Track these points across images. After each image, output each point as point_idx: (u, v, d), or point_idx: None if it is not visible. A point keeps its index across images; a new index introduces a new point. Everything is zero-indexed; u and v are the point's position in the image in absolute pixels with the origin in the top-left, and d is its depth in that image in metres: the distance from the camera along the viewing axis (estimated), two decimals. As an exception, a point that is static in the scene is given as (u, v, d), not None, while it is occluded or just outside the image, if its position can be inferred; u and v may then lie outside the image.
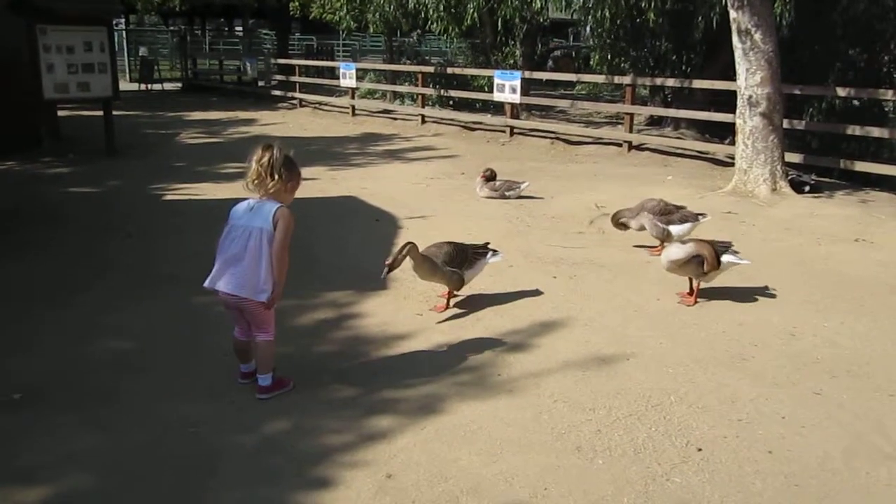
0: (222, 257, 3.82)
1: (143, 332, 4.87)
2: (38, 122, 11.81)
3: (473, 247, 5.38)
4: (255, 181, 3.83)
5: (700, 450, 3.49)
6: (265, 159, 3.79)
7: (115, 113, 12.54)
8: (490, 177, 9.21)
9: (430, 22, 16.03)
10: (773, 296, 5.67)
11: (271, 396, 3.96)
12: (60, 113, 13.68)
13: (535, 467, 3.32)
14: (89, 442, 3.52)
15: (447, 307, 5.27)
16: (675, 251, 5.30)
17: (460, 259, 5.14)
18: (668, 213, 6.52)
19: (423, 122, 16.95)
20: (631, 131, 13.30)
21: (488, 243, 5.59)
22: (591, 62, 14.90)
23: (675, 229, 6.42)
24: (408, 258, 4.90)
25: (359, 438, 3.55)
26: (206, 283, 3.86)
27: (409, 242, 4.94)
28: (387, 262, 4.83)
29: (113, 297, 5.51)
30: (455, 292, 5.34)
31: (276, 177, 3.79)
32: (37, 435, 3.58)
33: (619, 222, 6.79)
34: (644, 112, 15.05)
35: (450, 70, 17.80)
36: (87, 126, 14.32)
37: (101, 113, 12.25)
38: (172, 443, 3.52)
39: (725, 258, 5.39)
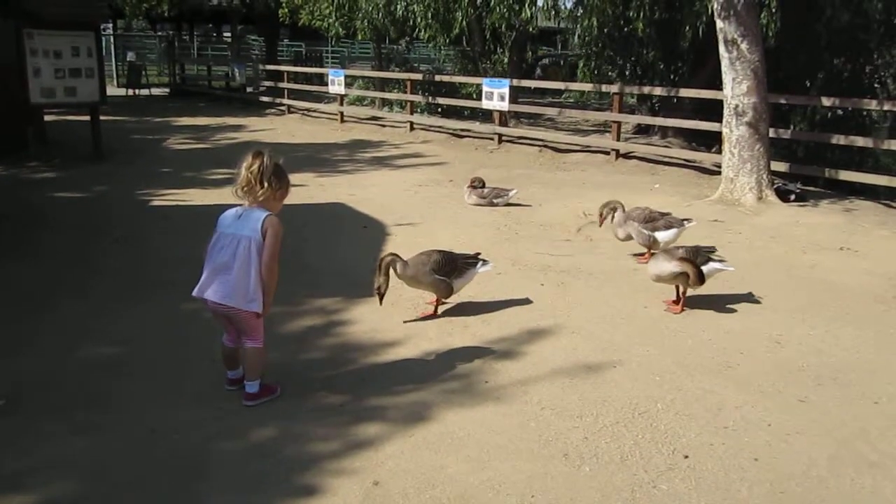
0: (210, 266, 3.80)
1: (131, 337, 4.85)
2: (25, 127, 11.74)
3: (464, 256, 5.37)
4: (245, 188, 3.81)
5: (687, 457, 3.51)
6: (255, 167, 3.77)
7: (102, 118, 12.50)
8: (478, 186, 9.23)
9: (418, 29, 16.07)
10: (759, 304, 5.70)
11: (258, 403, 3.95)
12: (47, 117, 13.61)
13: (522, 475, 3.33)
14: (77, 447, 3.50)
15: (435, 314, 5.27)
16: (662, 267, 5.32)
17: (449, 268, 5.13)
18: (653, 219, 6.56)
19: (412, 129, 16.97)
20: (618, 140, 13.37)
21: (479, 253, 5.59)
22: (578, 71, 14.98)
23: (660, 235, 6.46)
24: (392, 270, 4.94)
25: (346, 445, 3.55)
26: (195, 292, 3.84)
27: (390, 254, 4.94)
28: (375, 291, 4.85)
29: (101, 302, 5.49)
30: (444, 300, 5.34)
31: (266, 185, 3.78)
32: (23, 440, 3.55)
33: (608, 209, 6.74)
34: (631, 121, 15.14)
35: (438, 77, 17.85)
36: (73, 131, 14.26)
37: (88, 118, 12.20)
38: (160, 449, 3.50)
39: (711, 266, 5.43)
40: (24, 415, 3.80)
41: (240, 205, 3.88)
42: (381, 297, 4.91)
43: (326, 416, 3.84)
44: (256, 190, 3.78)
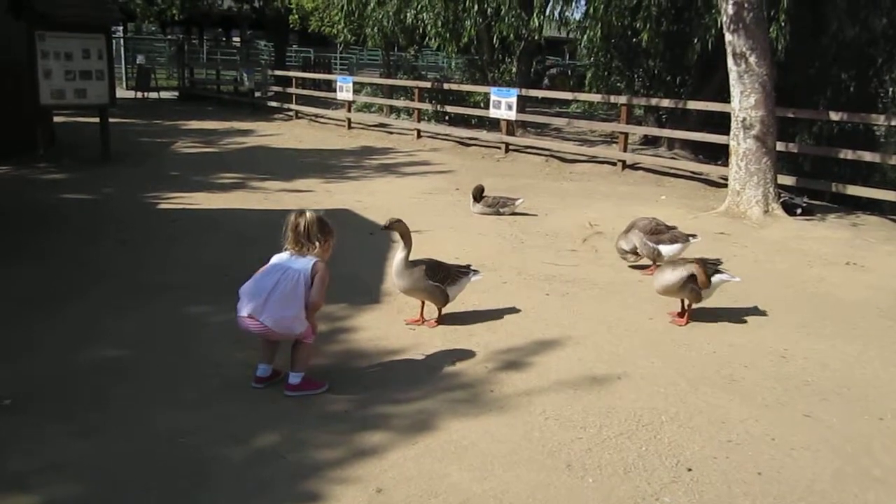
0: (255, 289, 3.99)
1: (135, 340, 4.86)
2: (35, 128, 11.80)
3: (456, 266, 5.42)
4: (295, 248, 4.05)
5: (690, 470, 3.50)
6: (301, 227, 4.04)
7: (111, 120, 12.53)
8: (477, 196, 9.17)
9: (428, 37, 16.12)
10: (764, 317, 5.70)
11: (299, 394, 4.08)
12: (56, 119, 13.68)
13: (525, 484, 3.33)
14: (79, 450, 3.50)
15: (438, 322, 5.27)
16: (668, 276, 5.32)
17: (442, 274, 5.17)
18: (659, 232, 6.55)
19: (419, 136, 17.01)
20: (625, 150, 13.38)
21: (470, 265, 5.60)
22: (587, 81, 15.00)
23: (664, 249, 6.45)
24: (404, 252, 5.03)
25: (350, 453, 3.55)
26: (246, 311, 3.97)
27: (408, 243, 5.03)
28: (385, 224, 5.00)
29: (105, 304, 5.50)
30: (442, 308, 5.33)
31: (315, 243, 4.06)
32: (26, 441, 3.56)
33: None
34: (639, 132, 15.16)
35: (446, 86, 17.90)
36: (82, 132, 14.33)
37: (97, 120, 12.26)
38: (163, 453, 3.51)
39: (717, 277, 5.43)
40: (28, 416, 3.81)
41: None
42: (387, 227, 5.02)
43: (330, 422, 3.84)
44: (306, 247, 4.05)
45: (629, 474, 3.45)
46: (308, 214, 4.06)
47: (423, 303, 5.31)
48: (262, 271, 4.07)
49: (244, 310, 3.98)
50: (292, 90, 21.15)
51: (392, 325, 5.25)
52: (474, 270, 5.51)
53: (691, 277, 5.22)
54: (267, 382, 4.21)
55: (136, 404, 3.99)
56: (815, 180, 11.05)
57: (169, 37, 38.10)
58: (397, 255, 5.06)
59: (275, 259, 4.11)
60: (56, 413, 3.86)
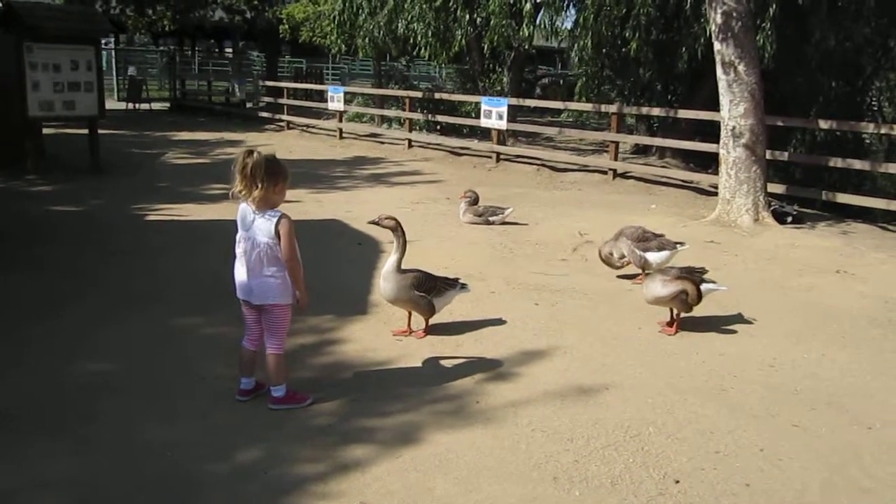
0: (238, 269, 3.97)
1: (122, 353, 4.81)
2: (23, 140, 11.74)
3: (443, 278, 5.40)
4: (241, 191, 3.86)
5: (678, 482, 3.47)
6: (247, 167, 3.82)
7: (101, 132, 12.50)
8: (471, 198, 9.19)
9: (418, 47, 16.12)
10: (753, 326, 5.68)
11: (283, 408, 4.04)
12: (46, 131, 13.60)
13: (511, 497, 3.29)
14: (66, 465, 3.46)
15: (426, 333, 5.24)
16: (660, 289, 5.30)
17: (429, 285, 5.14)
18: (646, 240, 6.54)
19: (410, 146, 16.99)
20: (616, 159, 13.39)
21: (458, 278, 5.57)
22: (577, 90, 15.02)
23: (652, 257, 6.43)
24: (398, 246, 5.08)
25: (333, 467, 3.51)
26: (239, 295, 4.03)
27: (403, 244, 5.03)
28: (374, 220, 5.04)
29: (93, 317, 5.45)
30: (429, 320, 5.30)
31: (260, 184, 3.82)
32: (12, 457, 3.51)
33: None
34: (629, 140, 15.18)
35: (437, 95, 17.89)
36: (72, 144, 14.26)
37: (87, 131, 12.20)
38: (150, 468, 3.46)
39: (704, 287, 5.41)
40: (15, 431, 3.76)
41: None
42: (376, 223, 5.05)
43: (314, 436, 3.80)
44: (252, 190, 3.83)
45: (616, 487, 3.41)
46: (255, 155, 3.81)
47: (409, 314, 5.27)
48: (238, 248, 3.97)
49: (241, 294, 4.02)
50: (284, 101, 21.12)
51: (379, 337, 5.21)
52: (462, 284, 5.48)
53: (682, 292, 5.22)
54: (251, 395, 4.17)
55: (124, 418, 3.94)
56: (805, 188, 11.09)
57: (160, 48, 38.06)
58: (389, 258, 5.03)
59: (241, 227, 3.97)
60: (43, 427, 3.81)
